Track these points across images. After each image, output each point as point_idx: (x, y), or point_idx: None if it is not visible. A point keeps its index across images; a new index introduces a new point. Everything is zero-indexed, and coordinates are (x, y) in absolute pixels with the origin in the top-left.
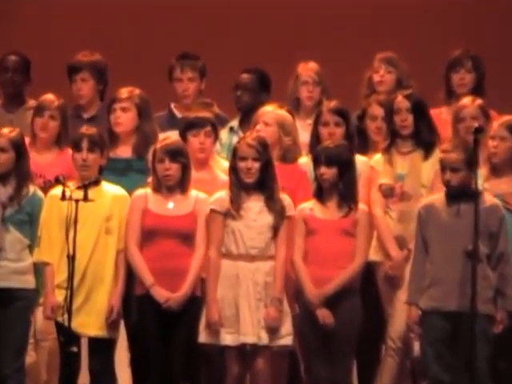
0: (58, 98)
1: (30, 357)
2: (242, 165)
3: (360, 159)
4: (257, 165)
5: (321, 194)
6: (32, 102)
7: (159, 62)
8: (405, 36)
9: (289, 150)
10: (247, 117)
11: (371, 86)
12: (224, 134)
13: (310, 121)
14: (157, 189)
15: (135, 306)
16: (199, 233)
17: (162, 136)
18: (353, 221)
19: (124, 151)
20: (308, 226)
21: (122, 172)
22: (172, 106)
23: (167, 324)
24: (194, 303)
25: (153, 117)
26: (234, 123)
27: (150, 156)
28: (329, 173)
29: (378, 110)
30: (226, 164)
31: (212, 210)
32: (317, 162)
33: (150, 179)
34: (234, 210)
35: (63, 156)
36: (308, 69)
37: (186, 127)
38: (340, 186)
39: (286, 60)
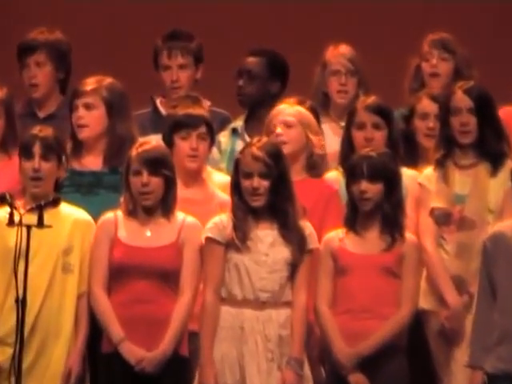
0: (1, 90)
1: None
2: (245, 183)
3: (406, 174)
4: (265, 183)
5: (354, 220)
6: None
7: (141, 44)
8: (462, 12)
9: (318, 159)
10: (255, 115)
11: (420, 78)
12: (224, 137)
13: (342, 123)
14: (131, 211)
15: (101, 366)
16: (186, 271)
17: (140, 141)
18: (398, 256)
19: (91, 162)
20: (338, 263)
21: (88, 189)
22: (157, 101)
23: None
24: (178, 365)
25: (130, 115)
26: (238, 123)
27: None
28: (373, 190)
29: (430, 107)
30: (220, 178)
31: (209, 239)
32: (354, 177)
33: (122, 198)
34: (238, 240)
35: (10, 166)
36: (339, 54)
37: (173, 128)
38: (385, 209)
39: (307, 43)
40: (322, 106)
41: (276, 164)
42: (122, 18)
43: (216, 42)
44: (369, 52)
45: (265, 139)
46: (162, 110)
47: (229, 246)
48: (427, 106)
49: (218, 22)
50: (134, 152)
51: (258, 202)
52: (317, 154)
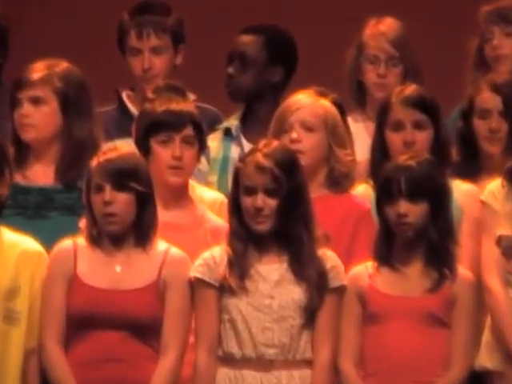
0: None
1: None
2: (247, 202)
3: (462, 188)
4: (272, 202)
5: (389, 250)
6: None
7: (104, 20)
8: None
9: (343, 171)
10: (253, 112)
11: (484, 62)
12: (214, 141)
13: None
14: (95, 240)
15: None
16: (170, 321)
17: (106, 147)
18: (447, 298)
19: (40, 174)
20: (367, 308)
21: (35, 211)
22: (124, 95)
23: None
24: None
25: (91, 113)
26: (232, 123)
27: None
28: (414, 212)
29: (491, 101)
30: (215, 196)
31: (198, 281)
32: (389, 195)
33: (82, 222)
34: (235, 279)
35: None
36: (379, 34)
37: (149, 130)
38: (431, 236)
39: (323, 16)
40: (356, 99)
41: (288, 177)
42: None
43: (201, 18)
44: (417, 30)
45: (275, 143)
46: (131, 107)
47: (223, 288)
48: (488, 99)
49: None
50: (95, 162)
51: (263, 226)
52: (339, 170)
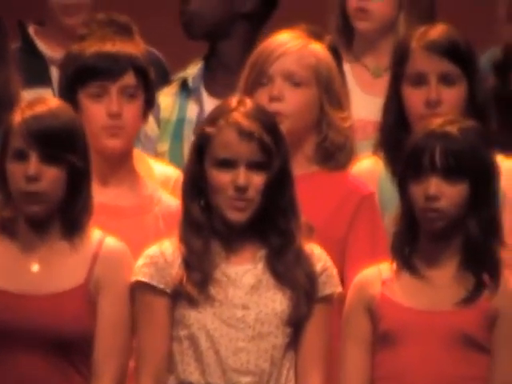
0: None
1: None
2: (223, 179)
3: (505, 166)
4: (260, 179)
5: (412, 247)
6: None
7: None
8: None
9: (339, 140)
10: (218, 57)
11: None
12: (166, 97)
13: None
14: (6, 225)
15: None
16: (103, 338)
17: (29, 98)
18: (486, 314)
19: None
20: (380, 326)
21: None
22: (31, 30)
23: None
24: None
25: (6, 56)
26: (190, 73)
27: None
28: (451, 195)
29: None
30: (168, 170)
31: (141, 286)
32: (417, 170)
33: None
34: (192, 285)
35: None
36: None
37: (76, 79)
38: (470, 229)
39: None
40: (341, 37)
41: (278, 147)
42: None
43: None
44: None
45: (253, 103)
46: (41, 46)
47: (177, 296)
48: None
49: None
50: (16, 118)
51: (242, 214)
52: (333, 140)
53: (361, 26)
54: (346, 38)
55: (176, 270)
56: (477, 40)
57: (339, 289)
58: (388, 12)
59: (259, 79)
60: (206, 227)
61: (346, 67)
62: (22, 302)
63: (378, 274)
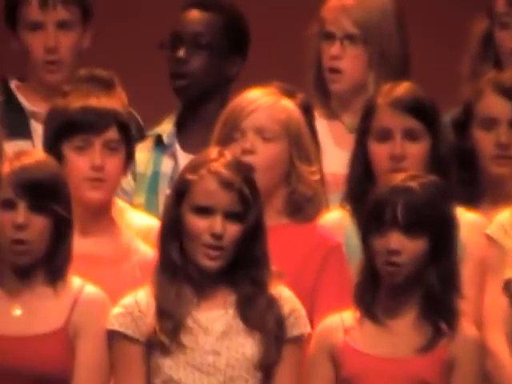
0: None
1: None
2: (200, 225)
3: (467, 219)
4: (235, 229)
5: (373, 297)
6: None
7: None
8: None
9: (308, 193)
10: (195, 114)
11: (490, 56)
12: (141, 152)
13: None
14: None
15: None
16: (78, 379)
17: (10, 150)
18: (444, 361)
19: None
20: (342, 371)
21: None
22: (12, 85)
23: None
24: None
25: None
26: (165, 128)
27: None
28: (411, 249)
29: (497, 106)
30: (145, 221)
31: (117, 335)
32: (379, 225)
33: None
34: (164, 333)
35: None
36: (337, 7)
37: (61, 132)
38: (430, 282)
39: None
40: (317, 92)
41: (254, 199)
42: None
43: None
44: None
45: (232, 155)
46: (23, 101)
47: (152, 345)
48: (494, 105)
49: None
50: (5, 169)
51: (215, 262)
52: (302, 193)
53: (334, 87)
54: (323, 95)
55: (150, 319)
56: (442, 98)
57: (308, 329)
58: (358, 72)
59: (232, 134)
60: (180, 271)
61: (323, 122)
62: (6, 344)
63: (340, 322)
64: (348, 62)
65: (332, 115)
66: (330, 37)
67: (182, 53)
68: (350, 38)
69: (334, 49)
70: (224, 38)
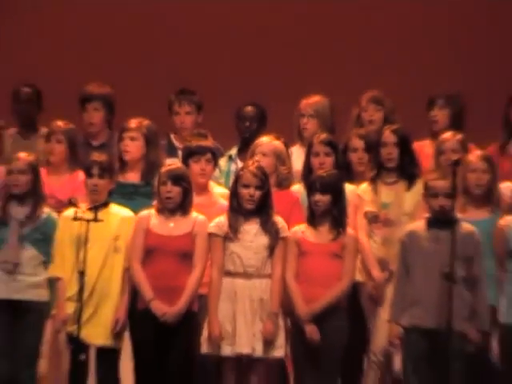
0: (65, 124)
1: (42, 366)
2: (244, 191)
3: (349, 188)
4: (258, 193)
5: (313, 219)
6: (44, 130)
7: (160, 96)
8: (388, 73)
9: (284, 177)
10: (246, 146)
11: (360, 123)
12: (223, 161)
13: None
14: (160, 210)
15: (137, 318)
16: (197, 252)
17: (167, 162)
18: (341, 244)
19: (132, 176)
20: (300, 248)
21: (129, 196)
22: (171, 136)
23: (165, 336)
24: (190, 318)
25: (159, 145)
26: (233, 152)
27: (156, 181)
28: (323, 200)
29: (358, 143)
30: (220, 190)
31: (212, 234)
32: (311, 190)
33: (155, 202)
34: (232, 233)
35: (73, 178)
36: (307, 103)
37: (189, 154)
38: (334, 212)
39: (278, 95)
40: (298, 136)
41: (266, 180)
42: (148, 78)
43: (211, 95)
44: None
45: (257, 162)
46: (175, 143)
47: (226, 237)
48: (356, 142)
49: (213, 81)
50: (163, 169)
51: (252, 206)
52: (281, 176)
53: (305, 136)
54: (301, 138)
55: (226, 227)
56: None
57: (288, 234)
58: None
59: (253, 154)
60: (237, 209)
61: (300, 150)
62: (165, 238)
63: (300, 228)
64: (311, 127)
65: (303, 146)
66: (302, 116)
67: (246, 123)
68: (311, 115)
69: (304, 121)
70: (259, 117)
